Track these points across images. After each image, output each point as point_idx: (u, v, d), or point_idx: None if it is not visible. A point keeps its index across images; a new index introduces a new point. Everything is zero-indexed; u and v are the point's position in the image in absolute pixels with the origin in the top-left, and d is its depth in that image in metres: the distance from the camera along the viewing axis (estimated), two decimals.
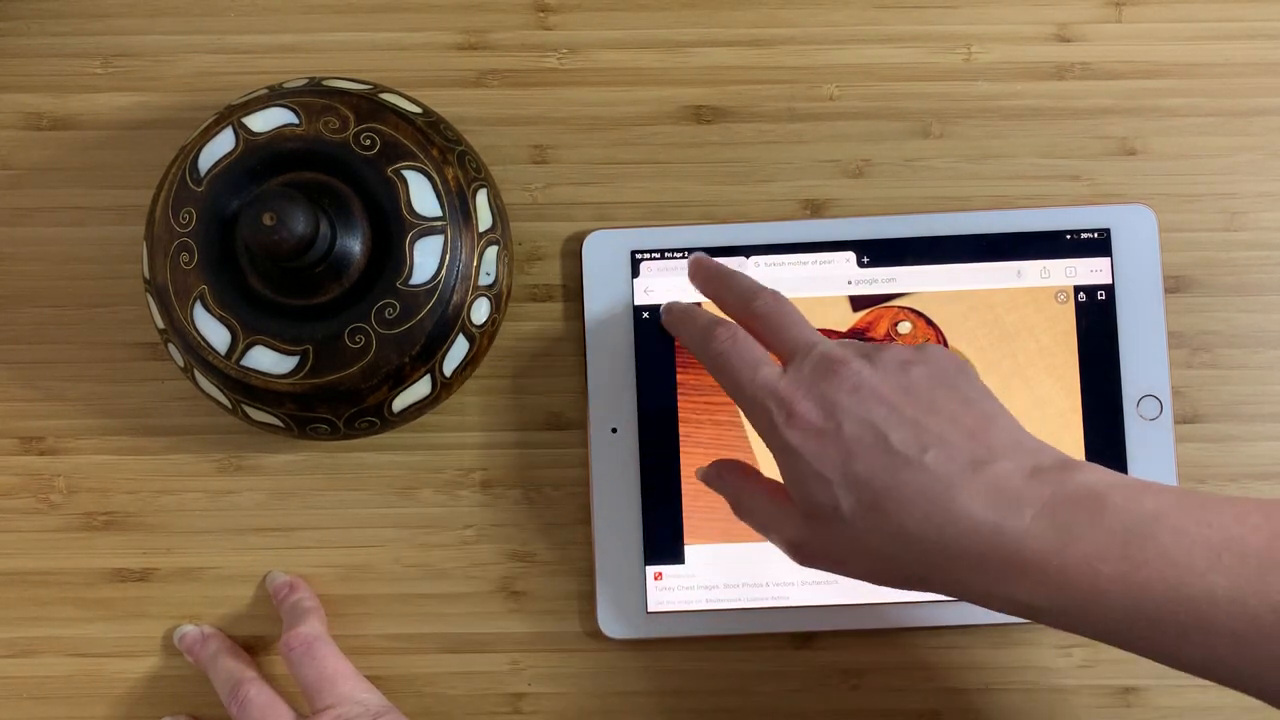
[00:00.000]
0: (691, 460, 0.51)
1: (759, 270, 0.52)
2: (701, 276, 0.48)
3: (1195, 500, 0.38)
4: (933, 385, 0.41)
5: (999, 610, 0.40)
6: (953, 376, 0.42)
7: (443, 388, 0.48)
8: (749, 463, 0.47)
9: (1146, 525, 0.38)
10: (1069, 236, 0.52)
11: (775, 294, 0.45)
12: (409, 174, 0.46)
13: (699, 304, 0.48)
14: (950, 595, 0.40)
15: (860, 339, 0.50)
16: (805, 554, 0.42)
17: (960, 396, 0.41)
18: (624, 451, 0.51)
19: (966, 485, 0.39)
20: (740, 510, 0.45)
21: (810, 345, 0.43)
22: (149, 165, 0.52)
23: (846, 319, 0.51)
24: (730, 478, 0.46)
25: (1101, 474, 0.39)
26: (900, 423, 0.40)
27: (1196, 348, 0.52)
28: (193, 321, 0.46)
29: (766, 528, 0.44)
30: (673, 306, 0.48)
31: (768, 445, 0.42)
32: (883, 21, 0.53)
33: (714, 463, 0.47)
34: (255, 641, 0.52)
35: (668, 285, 0.52)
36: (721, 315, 0.46)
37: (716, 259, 0.48)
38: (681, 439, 0.51)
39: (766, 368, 0.43)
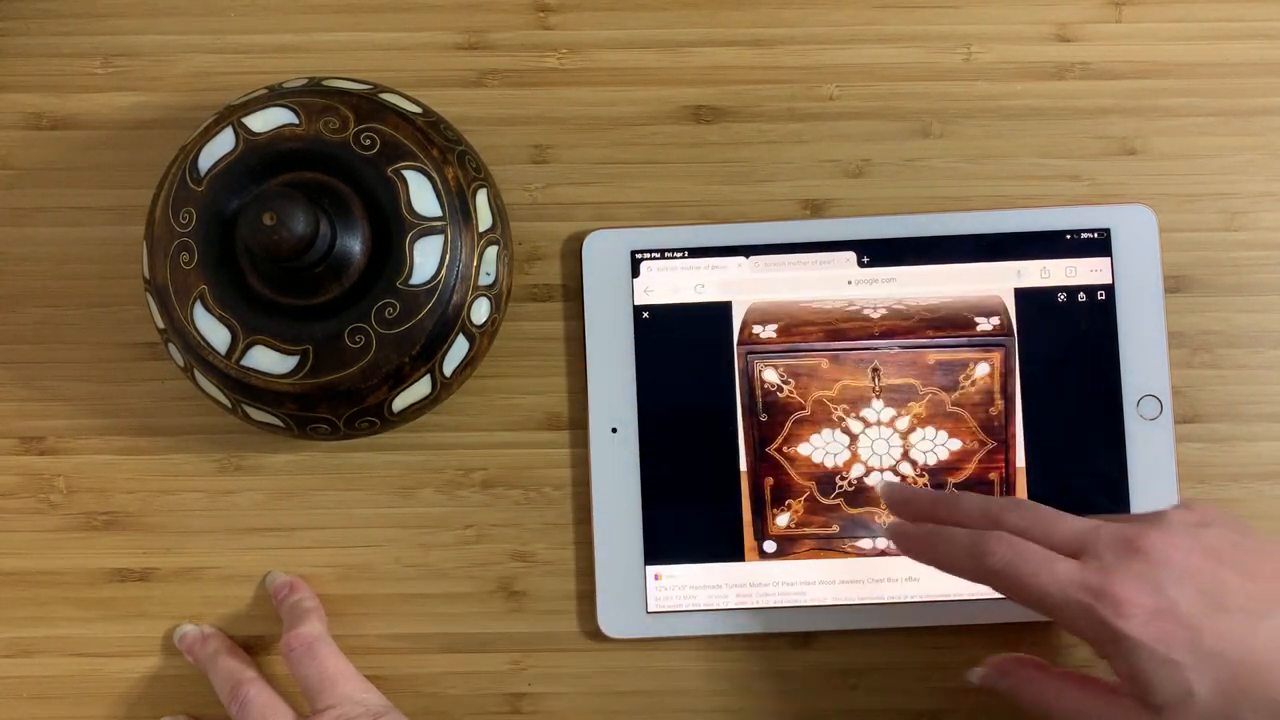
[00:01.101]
0: (693, 459, 0.51)
1: (759, 271, 0.52)
2: (915, 511, 0.46)
3: None
4: (1232, 542, 0.41)
5: None
6: (1240, 529, 0.42)
7: (443, 388, 0.48)
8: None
9: None
10: (1069, 236, 0.52)
11: (1018, 501, 0.44)
12: (409, 174, 0.46)
13: (904, 493, 0.47)
14: None
15: None
16: None
17: (1259, 548, 0.41)
18: (624, 451, 0.51)
19: None
20: (1053, 713, 0.43)
21: (1093, 531, 0.41)
22: (149, 165, 0.52)
23: None
24: (1026, 676, 0.44)
25: None
26: (1229, 587, 0.39)
27: (1196, 348, 0.52)
28: (193, 321, 0.46)
29: None
30: (904, 529, 0.45)
31: (1095, 642, 0.41)
32: (883, 21, 0.53)
33: (992, 664, 0.45)
34: (255, 641, 0.52)
35: (668, 285, 0.52)
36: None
37: (911, 497, 0.46)
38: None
39: (1063, 564, 0.41)
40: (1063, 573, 0.41)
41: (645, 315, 0.52)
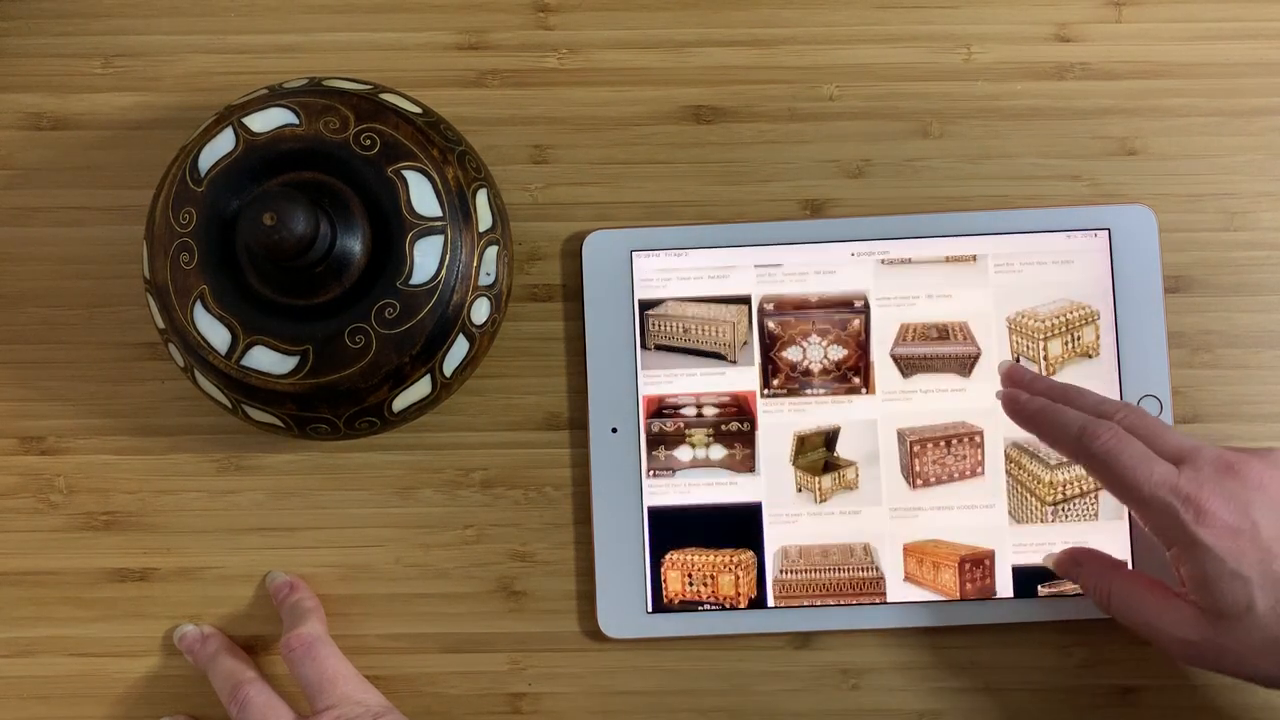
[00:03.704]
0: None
1: (761, 278, 0.52)
2: (1039, 401, 0.46)
3: None
4: None
5: None
6: None
7: (443, 388, 0.48)
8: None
9: None
10: (1069, 236, 0.52)
11: (1132, 406, 0.45)
12: (409, 174, 0.46)
13: (1026, 375, 0.48)
14: None
15: None
16: (1199, 652, 0.43)
17: None
18: (624, 451, 0.51)
19: None
20: (1111, 606, 0.45)
21: (1197, 448, 0.43)
22: (149, 165, 0.52)
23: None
24: (1096, 569, 0.46)
25: None
26: None
27: (1196, 348, 0.52)
28: (193, 321, 0.46)
29: (1153, 625, 0.44)
30: (1023, 401, 0.46)
31: (1170, 543, 0.43)
32: (883, 21, 0.53)
33: (1069, 551, 0.47)
34: (255, 641, 0.52)
35: (666, 285, 0.52)
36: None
37: (1032, 379, 0.48)
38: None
39: (1161, 465, 0.43)
40: (1159, 472, 0.43)
41: (645, 314, 0.52)
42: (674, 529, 0.51)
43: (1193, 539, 0.42)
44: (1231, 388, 0.52)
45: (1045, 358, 0.51)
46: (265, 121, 0.46)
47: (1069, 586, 0.50)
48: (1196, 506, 0.42)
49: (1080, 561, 0.48)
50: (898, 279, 0.51)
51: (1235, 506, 0.41)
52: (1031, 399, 0.46)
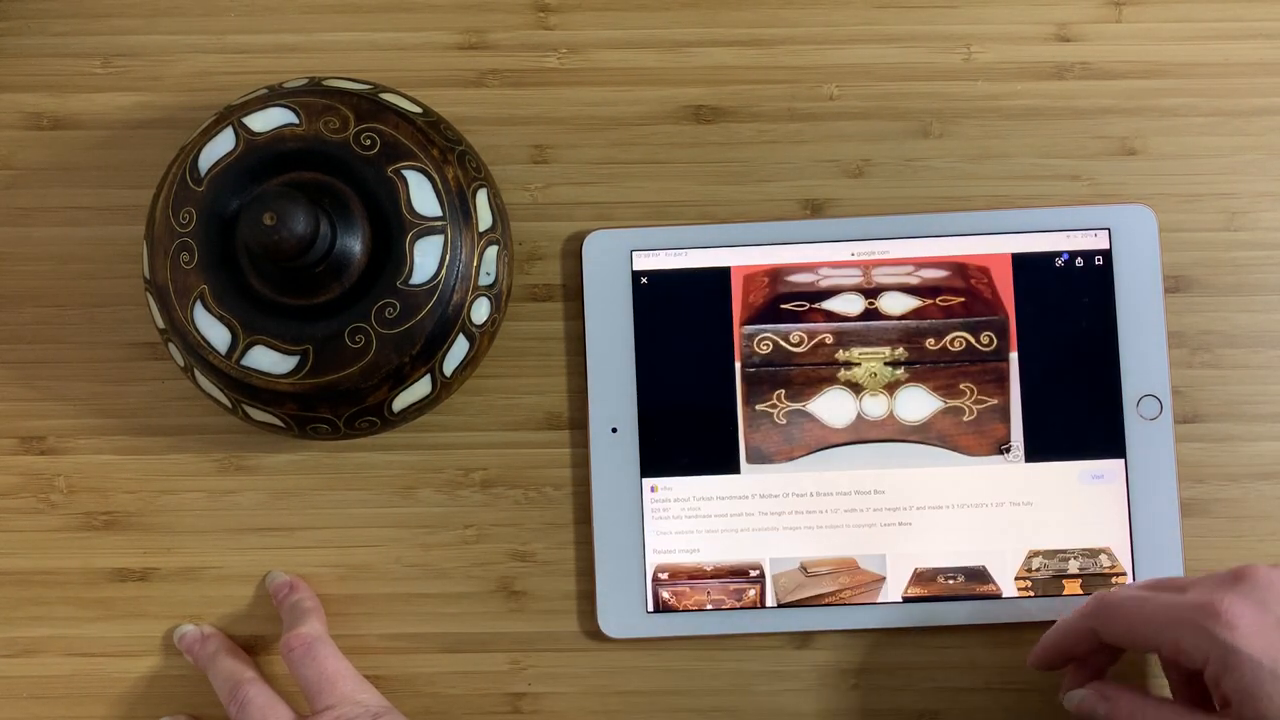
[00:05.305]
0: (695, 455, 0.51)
1: (761, 277, 0.52)
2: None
3: None
4: None
5: None
6: None
7: (443, 388, 0.48)
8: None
9: None
10: (1069, 236, 0.51)
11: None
12: (409, 174, 0.46)
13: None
14: None
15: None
16: None
17: None
18: (624, 451, 0.51)
19: None
20: None
21: (1190, 578, 0.43)
22: (149, 165, 0.52)
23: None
24: (1125, 703, 0.44)
25: None
26: None
27: (1196, 348, 0.52)
28: (193, 321, 0.46)
29: None
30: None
31: (1203, 661, 0.40)
32: (883, 21, 0.53)
33: (1093, 687, 0.45)
34: (255, 641, 0.52)
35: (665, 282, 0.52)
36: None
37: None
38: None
39: (1164, 593, 0.42)
40: (1166, 598, 0.42)
41: (645, 314, 0.52)
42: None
43: (1226, 648, 0.40)
44: (1231, 388, 0.52)
45: None
46: (265, 121, 0.46)
47: (1070, 586, 0.50)
48: (1218, 613, 0.40)
49: (1108, 696, 0.45)
50: (897, 277, 0.51)
51: (1255, 604, 0.40)
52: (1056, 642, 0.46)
